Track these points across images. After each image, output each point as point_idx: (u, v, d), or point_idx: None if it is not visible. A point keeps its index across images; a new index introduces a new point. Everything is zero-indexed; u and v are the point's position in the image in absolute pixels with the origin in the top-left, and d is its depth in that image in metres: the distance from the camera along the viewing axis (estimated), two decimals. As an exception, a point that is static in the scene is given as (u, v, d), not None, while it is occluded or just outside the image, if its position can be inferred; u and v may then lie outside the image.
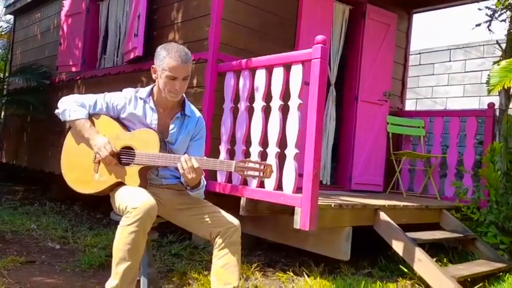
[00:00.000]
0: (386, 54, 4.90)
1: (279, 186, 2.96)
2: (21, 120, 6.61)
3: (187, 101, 2.33)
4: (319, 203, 2.82)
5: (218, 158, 3.37)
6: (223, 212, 2.22)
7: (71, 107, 2.21)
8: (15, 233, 3.88)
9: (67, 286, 2.70)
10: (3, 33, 8.97)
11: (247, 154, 3.21)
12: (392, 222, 3.24)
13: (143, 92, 2.25)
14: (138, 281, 2.17)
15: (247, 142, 3.22)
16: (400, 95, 5.39)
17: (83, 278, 2.88)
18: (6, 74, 7.69)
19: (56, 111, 2.27)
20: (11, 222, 4.16)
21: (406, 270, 3.23)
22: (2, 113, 7.89)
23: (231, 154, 3.34)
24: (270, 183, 2.99)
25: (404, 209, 3.58)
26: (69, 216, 4.79)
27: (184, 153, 2.30)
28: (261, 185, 3.08)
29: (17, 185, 6.95)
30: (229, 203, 3.15)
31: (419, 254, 3.05)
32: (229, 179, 3.35)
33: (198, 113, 2.37)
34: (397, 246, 3.17)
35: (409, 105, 6.77)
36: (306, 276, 3.12)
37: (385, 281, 3.16)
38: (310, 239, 3.24)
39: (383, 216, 3.27)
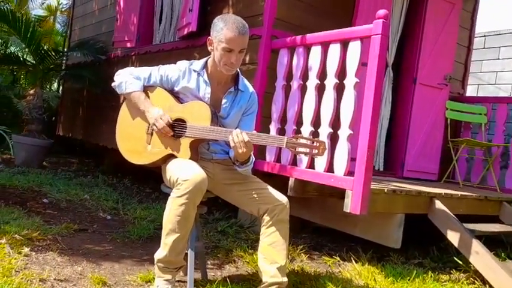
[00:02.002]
0: (449, 35, 4.61)
1: (330, 168, 2.86)
2: (78, 94, 6.83)
3: (241, 75, 2.28)
4: (371, 187, 2.70)
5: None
6: (271, 189, 2.17)
7: (126, 79, 2.22)
8: (70, 202, 4.02)
9: (116, 254, 2.76)
10: (63, 9, 9.29)
11: (298, 134, 3.12)
12: (448, 211, 3.07)
13: (197, 64, 2.22)
14: (186, 253, 2.18)
15: (299, 121, 3.14)
16: (462, 79, 5.08)
17: (132, 248, 2.93)
18: (65, 49, 7.97)
19: (113, 84, 2.29)
20: (66, 192, 4.32)
21: (460, 262, 3.06)
22: (60, 87, 8.21)
23: (281, 133, 3.26)
24: (320, 164, 2.89)
25: (462, 198, 3.39)
26: (120, 189, 4.92)
27: (236, 127, 2.26)
28: (311, 165, 2.99)
29: (73, 157, 7.25)
30: (277, 183, 3.07)
31: (477, 246, 2.88)
32: (278, 159, 3.29)
33: (251, 88, 2.31)
34: (453, 237, 3.00)
35: (470, 91, 6.39)
36: (353, 261, 3.03)
37: (437, 272, 3.02)
38: (360, 224, 3.14)
39: (439, 204, 3.10)
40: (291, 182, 3.04)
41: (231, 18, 2.05)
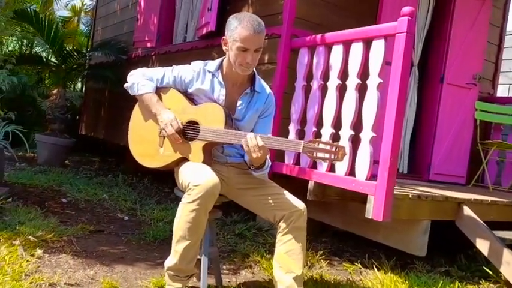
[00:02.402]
0: (478, 32, 4.41)
1: (351, 172, 2.74)
2: (100, 94, 6.87)
3: (258, 76, 2.19)
4: (395, 192, 2.57)
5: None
6: (288, 194, 2.07)
7: (139, 81, 2.16)
8: (88, 202, 4.01)
9: (131, 257, 2.71)
10: (87, 10, 9.39)
11: (317, 136, 3.01)
12: (477, 218, 2.91)
13: (212, 65, 2.14)
14: (199, 259, 2.10)
15: (319, 123, 3.02)
16: (492, 79, 4.86)
17: (147, 250, 2.88)
18: (88, 50, 8.04)
19: (125, 85, 2.23)
20: (85, 191, 4.31)
21: (490, 272, 2.90)
22: (83, 87, 8.29)
23: (301, 135, 3.16)
24: (341, 167, 2.78)
25: (492, 204, 3.21)
26: (139, 189, 4.90)
27: (252, 130, 2.17)
28: (331, 169, 2.88)
29: (95, 156, 7.29)
30: (295, 186, 2.98)
31: (508, 255, 2.71)
32: (297, 161, 3.19)
33: (268, 89, 2.21)
34: (482, 246, 2.84)
35: (501, 91, 6.12)
36: (375, 269, 2.90)
37: (465, 282, 2.87)
38: (382, 230, 3.01)
39: (467, 211, 2.94)
40: (310, 185, 2.94)
41: (245, 16, 1.96)
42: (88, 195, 4.22)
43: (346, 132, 2.78)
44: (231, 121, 2.08)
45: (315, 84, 3.08)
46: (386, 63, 2.64)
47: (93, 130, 7.10)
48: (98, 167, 6.35)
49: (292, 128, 3.22)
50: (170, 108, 2.11)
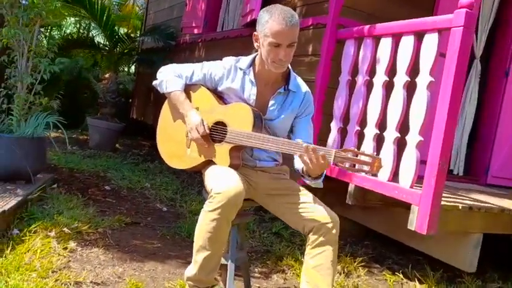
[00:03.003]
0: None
1: (395, 177, 2.53)
2: (150, 79, 6.91)
3: (294, 73, 2.03)
4: (443, 202, 2.35)
5: (328, 137, 3.04)
6: (320, 204, 1.91)
7: (168, 78, 2.08)
8: (130, 190, 4.05)
9: (163, 254, 2.68)
10: (142, -7, 9.49)
11: (361, 136, 2.81)
12: (538, 234, 2.62)
13: (244, 61, 2.00)
14: (226, 265, 2.02)
15: (363, 122, 2.82)
16: None
17: (180, 247, 2.85)
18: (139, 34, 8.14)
19: (154, 82, 2.16)
20: (129, 179, 4.36)
21: (549, 294, 2.61)
22: (136, 71, 8.43)
23: (343, 134, 2.97)
24: (384, 171, 2.58)
25: (557, 218, 2.88)
26: (182, 177, 4.90)
27: (288, 132, 2.04)
28: (374, 172, 2.68)
29: (145, 140, 7.42)
30: (336, 187, 2.83)
31: None
32: (339, 161, 3.00)
33: (304, 87, 2.05)
34: (541, 265, 2.56)
35: None
36: (417, 282, 2.69)
37: (519, 304, 2.60)
38: (428, 241, 2.78)
39: (526, 225, 2.66)
40: (350, 188, 2.76)
41: (277, 9, 1.81)
42: (131, 182, 4.27)
43: (391, 134, 2.57)
44: (260, 123, 1.94)
45: (360, 80, 2.87)
46: (441, 54, 2.38)
47: (143, 115, 7.21)
48: (147, 152, 6.44)
49: (334, 126, 3.03)
50: (198, 107, 2.02)
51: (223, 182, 1.75)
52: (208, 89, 2.05)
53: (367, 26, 2.82)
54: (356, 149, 1.71)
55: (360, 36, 2.89)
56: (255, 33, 1.90)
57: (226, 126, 1.94)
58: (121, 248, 2.64)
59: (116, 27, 6.70)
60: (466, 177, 3.93)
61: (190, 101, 2.05)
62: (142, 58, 6.76)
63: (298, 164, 1.91)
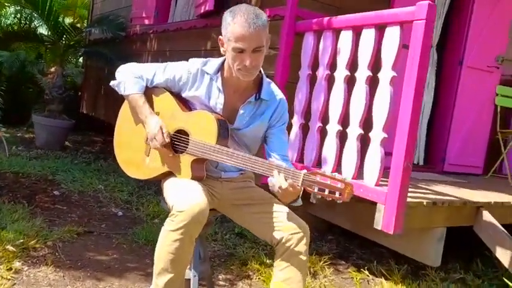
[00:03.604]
0: (503, 11, 4.01)
1: (359, 175, 2.48)
2: (99, 72, 6.58)
3: (267, 79, 1.85)
4: (408, 199, 2.32)
5: (289, 133, 2.94)
6: (289, 213, 1.79)
7: (126, 79, 1.88)
8: (82, 194, 3.80)
9: (119, 266, 2.51)
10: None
11: (323, 132, 2.73)
12: (497, 224, 2.65)
13: (212, 65, 1.81)
14: (188, 280, 1.88)
15: (325, 118, 2.74)
16: (516, 60, 4.49)
17: (138, 256, 2.68)
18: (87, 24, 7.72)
19: (112, 82, 1.96)
20: (80, 181, 4.10)
21: (510, 283, 2.65)
22: (85, 64, 8.00)
23: (305, 130, 2.88)
24: (348, 169, 2.51)
25: (514, 206, 2.94)
26: (138, 176, 4.68)
27: (260, 141, 1.90)
28: (337, 169, 2.62)
29: (97, 135, 7.08)
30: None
31: (531, 267, 2.47)
32: (301, 158, 2.93)
33: (279, 95, 1.87)
34: (502, 255, 2.59)
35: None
36: (383, 278, 2.67)
37: (481, 293, 2.64)
38: (393, 236, 2.75)
39: (486, 216, 2.68)
40: (314, 187, 2.68)
41: (240, 10, 1.64)
42: (83, 185, 4.01)
43: (354, 131, 2.51)
44: (226, 133, 1.78)
45: (321, 73, 2.78)
46: (404, 46, 2.33)
47: (93, 110, 6.86)
48: (99, 149, 6.15)
49: (296, 121, 2.94)
50: (159, 112, 1.84)
51: (185, 199, 1.60)
52: (171, 92, 1.88)
53: (327, 18, 2.73)
54: (326, 172, 1.59)
55: (320, 29, 2.80)
56: (220, 37, 1.73)
57: (188, 136, 1.79)
58: (73, 264, 2.44)
59: (61, 18, 6.31)
60: (425, 166, 3.98)
61: (152, 104, 1.87)
62: (90, 51, 6.39)
63: (271, 183, 1.74)
